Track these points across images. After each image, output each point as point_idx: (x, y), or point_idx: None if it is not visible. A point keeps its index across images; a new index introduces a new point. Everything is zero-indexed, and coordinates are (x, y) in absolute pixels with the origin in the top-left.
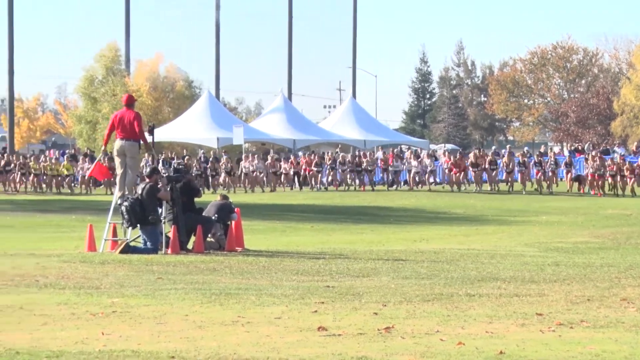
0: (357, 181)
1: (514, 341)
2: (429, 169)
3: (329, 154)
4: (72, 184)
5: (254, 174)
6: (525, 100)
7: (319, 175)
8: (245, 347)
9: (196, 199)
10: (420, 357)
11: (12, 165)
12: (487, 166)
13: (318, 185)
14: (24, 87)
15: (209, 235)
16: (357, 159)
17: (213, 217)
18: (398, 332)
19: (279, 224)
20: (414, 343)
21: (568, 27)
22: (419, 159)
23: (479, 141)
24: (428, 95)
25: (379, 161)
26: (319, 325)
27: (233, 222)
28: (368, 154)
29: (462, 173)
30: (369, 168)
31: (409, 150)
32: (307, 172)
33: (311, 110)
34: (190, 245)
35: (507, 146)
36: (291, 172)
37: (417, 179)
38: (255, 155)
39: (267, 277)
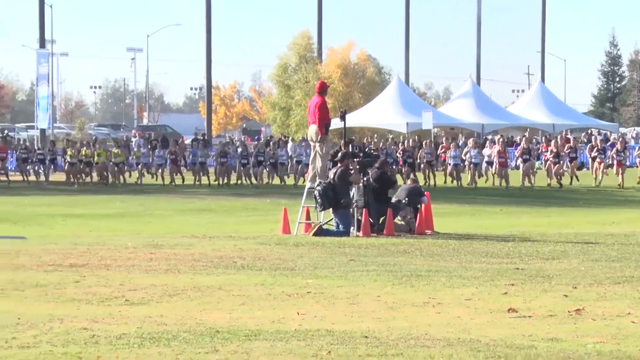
0: None
1: None
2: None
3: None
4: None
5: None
6: None
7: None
8: (436, 328)
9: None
10: (612, 339)
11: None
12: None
13: None
14: (221, 75)
15: (399, 218)
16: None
17: (404, 201)
18: (588, 314)
19: (468, 207)
20: (604, 325)
21: None
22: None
23: None
24: (618, 79)
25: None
26: (509, 307)
27: (423, 205)
28: (405, 143)
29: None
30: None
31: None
32: None
33: (500, 94)
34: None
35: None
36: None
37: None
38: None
39: (457, 259)
